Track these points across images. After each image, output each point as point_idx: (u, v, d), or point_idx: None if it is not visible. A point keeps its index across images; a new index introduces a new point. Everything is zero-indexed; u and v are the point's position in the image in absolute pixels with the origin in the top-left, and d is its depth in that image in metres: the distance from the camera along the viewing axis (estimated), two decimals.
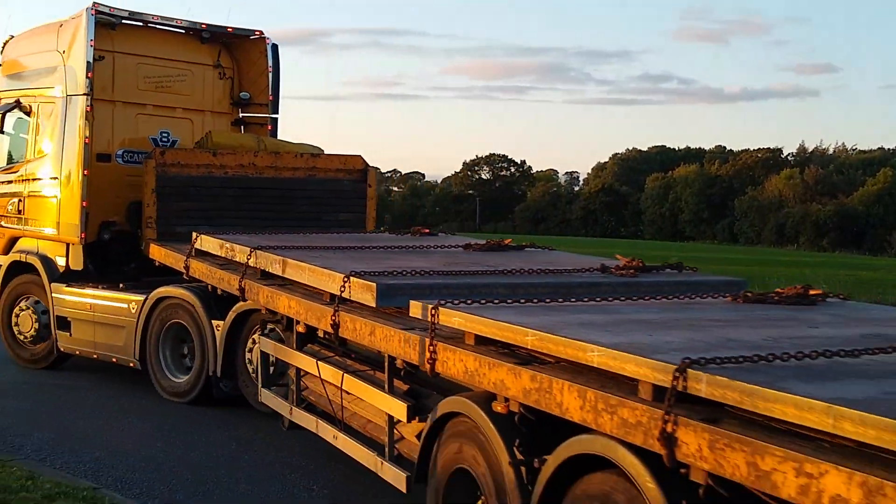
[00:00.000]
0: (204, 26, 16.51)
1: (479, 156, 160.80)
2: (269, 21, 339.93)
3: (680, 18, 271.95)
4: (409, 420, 7.61)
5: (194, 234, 12.41)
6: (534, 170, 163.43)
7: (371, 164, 15.90)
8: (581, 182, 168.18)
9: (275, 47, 16.86)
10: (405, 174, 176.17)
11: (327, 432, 9.13)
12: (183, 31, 16.61)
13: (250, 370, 11.86)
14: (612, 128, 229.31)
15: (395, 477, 7.77)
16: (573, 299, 7.51)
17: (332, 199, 15.31)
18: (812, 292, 7.51)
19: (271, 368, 10.73)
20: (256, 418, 11.83)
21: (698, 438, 4.47)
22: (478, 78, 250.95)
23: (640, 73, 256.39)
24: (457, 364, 6.46)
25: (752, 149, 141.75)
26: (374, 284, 7.87)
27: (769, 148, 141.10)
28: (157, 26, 16.37)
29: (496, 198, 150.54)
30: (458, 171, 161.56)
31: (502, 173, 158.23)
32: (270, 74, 16.80)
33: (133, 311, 13.70)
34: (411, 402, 7.64)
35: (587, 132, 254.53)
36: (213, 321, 12.45)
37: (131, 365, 13.88)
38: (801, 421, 4.11)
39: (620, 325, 6.07)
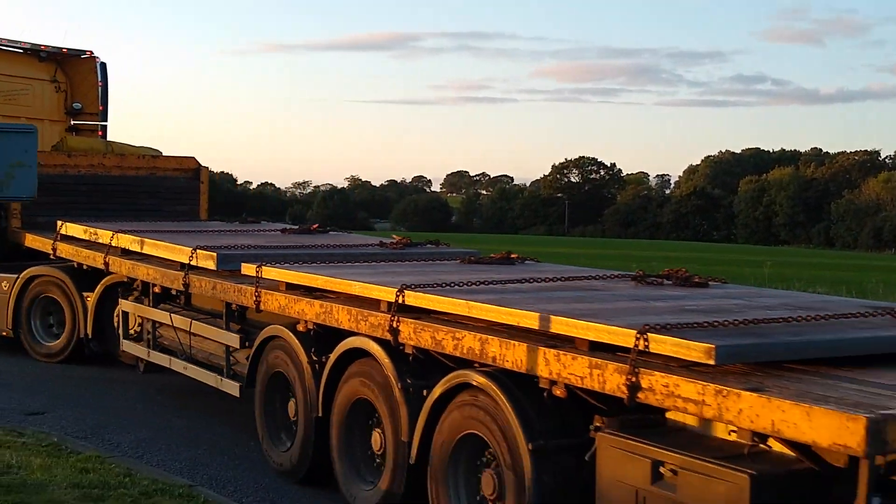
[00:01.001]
0: (43, 47, 19.70)
1: (568, 159, 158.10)
2: (361, 26, 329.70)
3: (773, 19, 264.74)
4: (241, 347, 11.10)
5: (59, 223, 15.62)
6: (624, 173, 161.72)
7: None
8: (672, 185, 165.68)
9: (103, 65, 20.13)
10: (494, 177, 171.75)
11: (178, 365, 12.51)
12: (24, 52, 19.74)
13: (117, 329, 14.96)
14: (704, 130, 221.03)
15: (231, 387, 11.24)
16: (355, 262, 11.19)
17: (170, 193, 18.62)
18: (513, 256, 11.33)
19: (130, 324, 14.02)
20: None
21: (408, 328, 8.14)
22: (567, 80, 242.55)
23: (733, 74, 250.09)
24: (274, 303, 10.02)
25: (848, 151, 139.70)
26: (215, 254, 11.36)
27: (866, 150, 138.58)
28: (3, 48, 19.44)
29: (585, 201, 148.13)
30: (546, 174, 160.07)
31: (592, 176, 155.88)
32: (100, 88, 20.03)
33: (6, 288, 16.75)
34: (242, 334, 11.15)
35: (679, 134, 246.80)
36: (82, 293, 15.60)
37: (3, 334, 16.85)
38: (454, 310, 7.86)
39: (377, 274, 9.73)
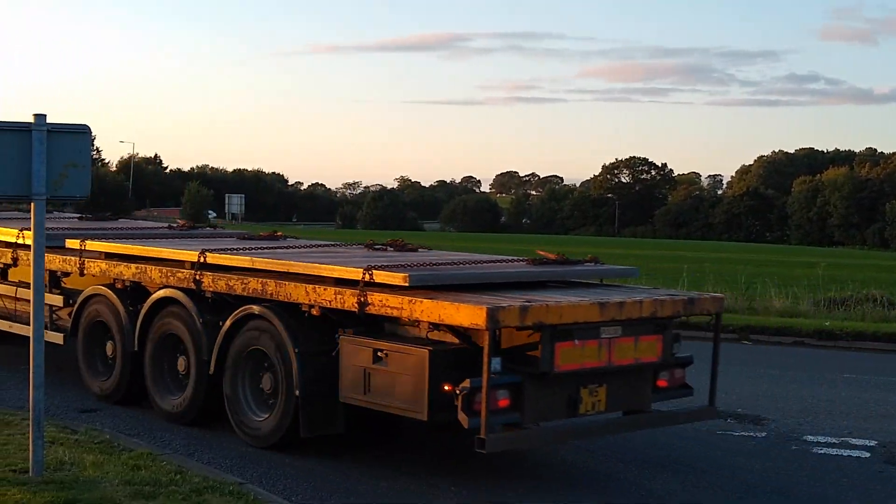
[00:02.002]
0: None
1: (619, 159, 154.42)
2: (410, 27, 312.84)
3: (826, 18, 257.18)
4: (63, 305, 14.42)
5: None
6: (675, 173, 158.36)
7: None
8: (724, 185, 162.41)
9: None
10: (543, 178, 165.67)
11: (4, 324, 15.68)
12: None
13: None
14: (756, 129, 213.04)
15: (56, 337, 14.46)
16: (154, 238, 14.68)
17: None
18: (278, 234, 15.01)
19: None
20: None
21: (208, 279, 11.77)
22: (617, 80, 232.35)
23: (786, 74, 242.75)
24: (96, 267, 13.48)
25: None
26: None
27: None
28: None
29: (636, 201, 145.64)
30: (596, 174, 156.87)
31: (642, 176, 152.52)
32: None
33: None
34: (64, 296, 14.47)
35: (730, 134, 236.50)
36: None
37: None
38: (242, 264, 11.57)
39: (177, 245, 13.27)
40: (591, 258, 12.11)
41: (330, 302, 10.42)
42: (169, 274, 12.36)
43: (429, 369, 9.49)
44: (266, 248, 12.87)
